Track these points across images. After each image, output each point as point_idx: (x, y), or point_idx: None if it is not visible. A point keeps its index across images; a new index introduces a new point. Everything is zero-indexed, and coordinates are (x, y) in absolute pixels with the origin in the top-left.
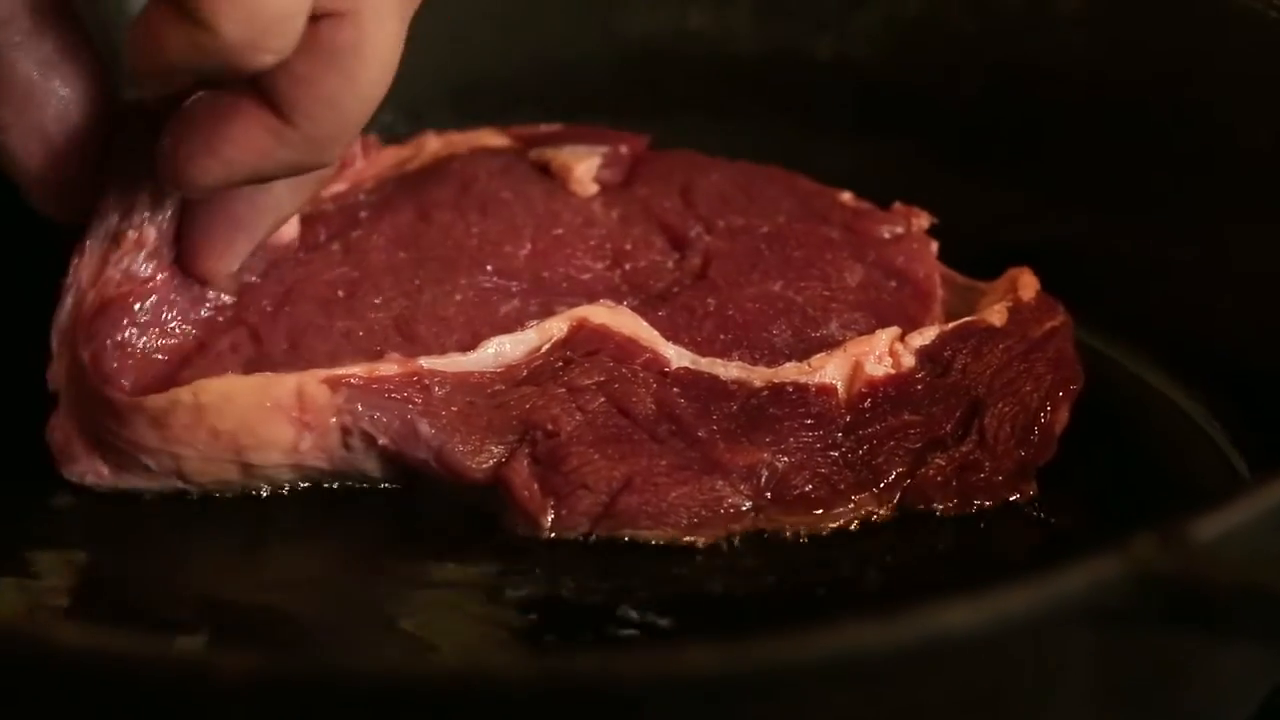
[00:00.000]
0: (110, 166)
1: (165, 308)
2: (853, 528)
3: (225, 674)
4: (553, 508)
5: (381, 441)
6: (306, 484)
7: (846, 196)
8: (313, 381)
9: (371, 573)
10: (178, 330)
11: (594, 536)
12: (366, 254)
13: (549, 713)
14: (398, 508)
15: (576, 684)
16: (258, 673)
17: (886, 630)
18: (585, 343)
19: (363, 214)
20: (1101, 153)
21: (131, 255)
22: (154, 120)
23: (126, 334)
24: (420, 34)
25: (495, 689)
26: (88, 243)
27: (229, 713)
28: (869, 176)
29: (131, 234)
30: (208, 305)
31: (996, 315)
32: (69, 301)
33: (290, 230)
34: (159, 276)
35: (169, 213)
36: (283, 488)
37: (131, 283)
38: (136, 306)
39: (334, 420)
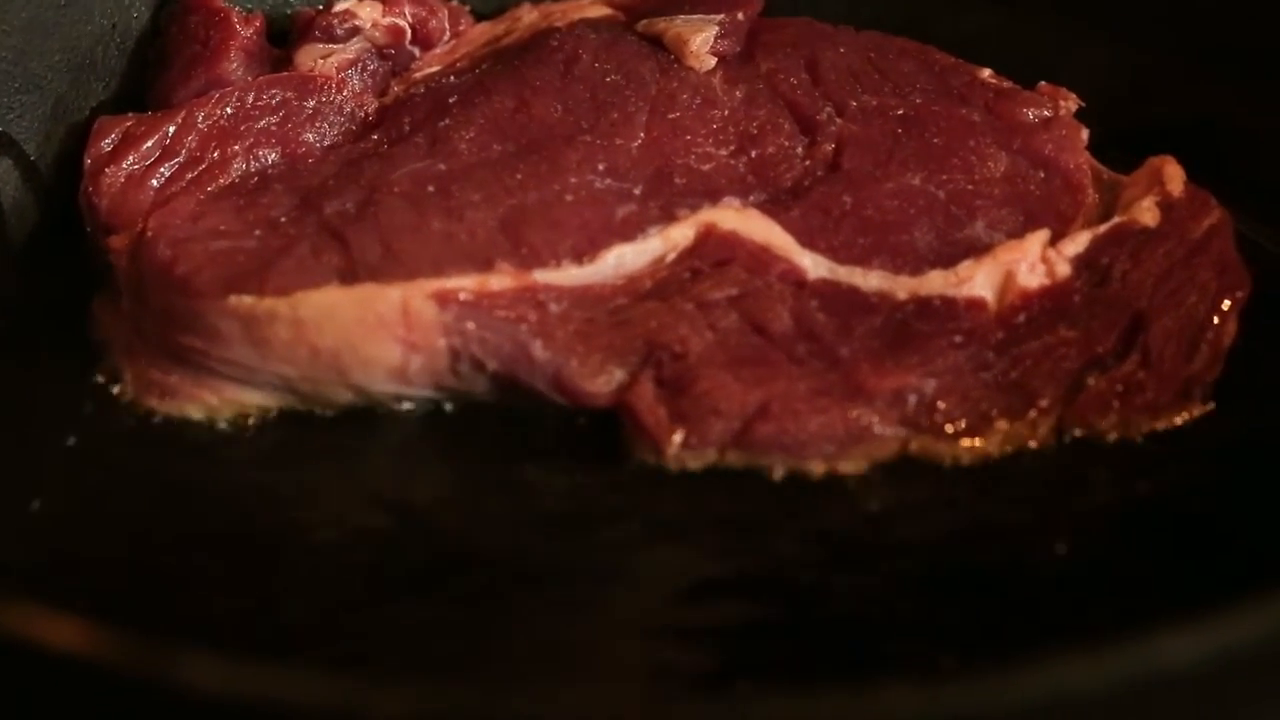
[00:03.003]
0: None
1: (229, 202)
2: (1005, 454)
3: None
4: (680, 434)
5: (492, 366)
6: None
7: (986, 73)
8: (419, 295)
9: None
10: (250, 231)
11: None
12: (456, 146)
13: None
14: (512, 426)
15: None
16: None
17: (1095, 668)
18: (714, 251)
19: (452, 99)
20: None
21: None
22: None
23: (192, 232)
24: None
25: None
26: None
27: None
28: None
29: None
30: (275, 203)
31: (1148, 213)
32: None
33: None
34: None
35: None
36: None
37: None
38: (196, 204)
39: (442, 341)
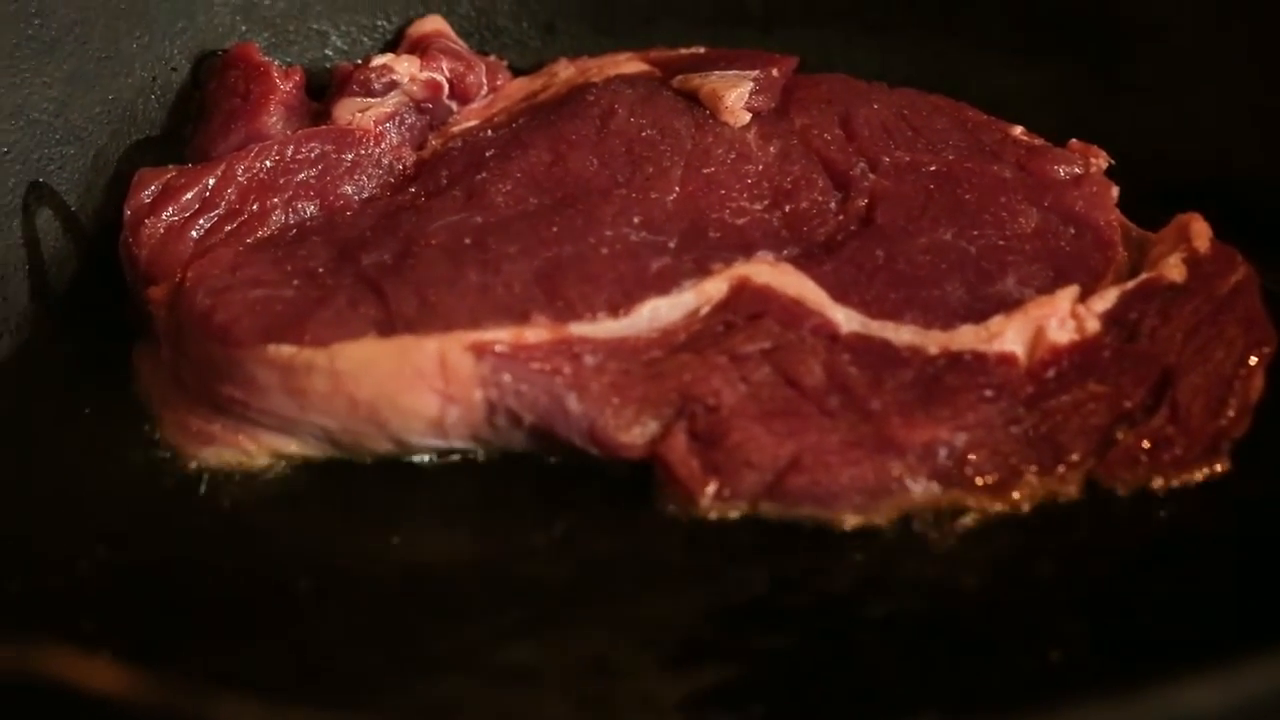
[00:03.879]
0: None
1: (267, 254)
2: (1033, 508)
3: None
4: (713, 485)
5: (528, 418)
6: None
7: (1018, 131)
8: (455, 348)
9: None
10: (288, 281)
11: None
12: (493, 199)
13: None
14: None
15: None
16: None
17: (1123, 713)
18: (748, 305)
19: (489, 153)
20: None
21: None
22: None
23: (231, 282)
24: None
25: None
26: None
27: None
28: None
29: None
30: (313, 255)
31: (1175, 269)
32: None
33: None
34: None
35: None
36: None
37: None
38: (234, 255)
39: (479, 394)
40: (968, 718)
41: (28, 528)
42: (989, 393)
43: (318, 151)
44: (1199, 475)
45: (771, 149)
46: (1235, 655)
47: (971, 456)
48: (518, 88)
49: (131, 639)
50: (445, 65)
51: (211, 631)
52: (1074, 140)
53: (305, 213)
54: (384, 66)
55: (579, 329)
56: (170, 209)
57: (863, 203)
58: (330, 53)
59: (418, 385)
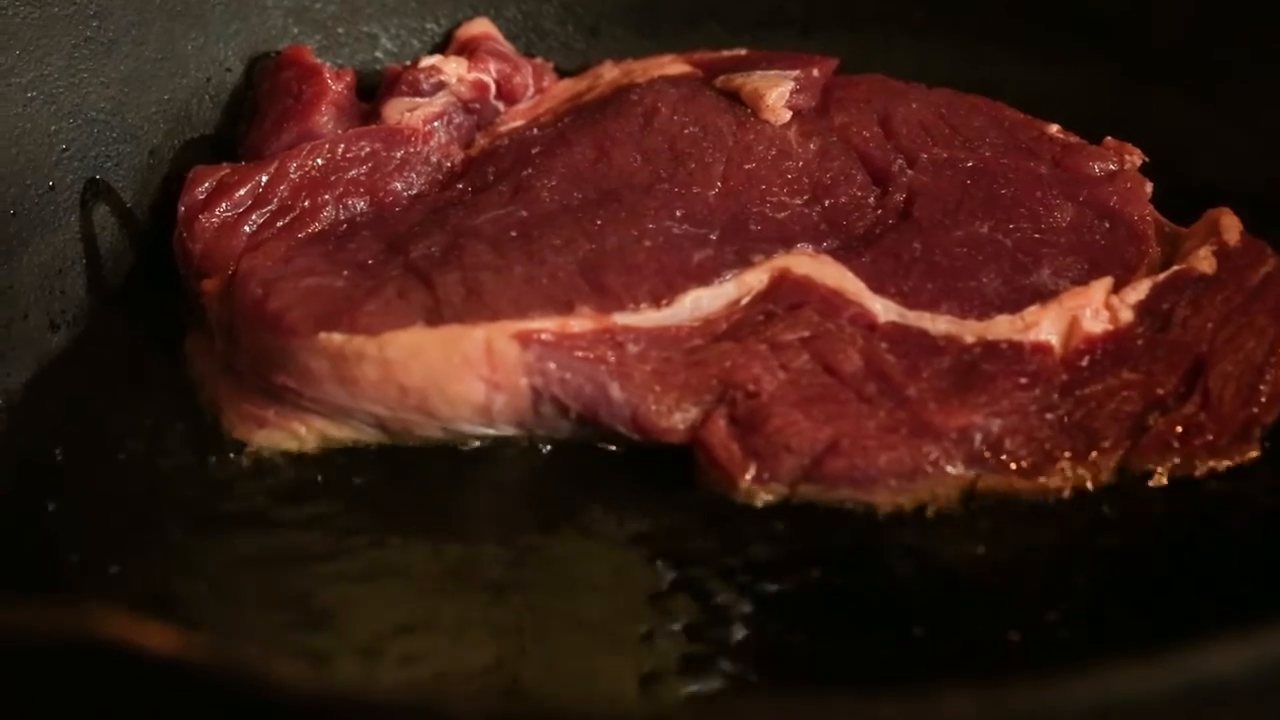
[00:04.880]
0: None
1: (318, 247)
2: (1066, 494)
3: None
4: (752, 469)
5: (572, 405)
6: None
7: (1054, 129)
8: (502, 336)
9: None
10: (338, 272)
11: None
12: (538, 194)
13: None
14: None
15: None
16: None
17: (1148, 676)
18: (788, 295)
19: (535, 150)
20: None
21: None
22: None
23: (283, 273)
24: None
25: None
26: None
27: None
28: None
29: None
30: (363, 248)
31: (1205, 262)
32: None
33: None
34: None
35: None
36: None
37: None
38: (286, 248)
39: (525, 381)
40: (1002, 689)
41: (87, 511)
42: (1024, 380)
43: (368, 150)
44: (1230, 461)
45: (811, 146)
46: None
47: (1006, 442)
48: (563, 89)
49: (192, 612)
50: (492, 66)
51: (270, 609)
52: (1109, 138)
53: (355, 208)
54: (432, 67)
55: (622, 318)
56: (224, 205)
57: (901, 197)
58: (380, 55)
59: (465, 373)
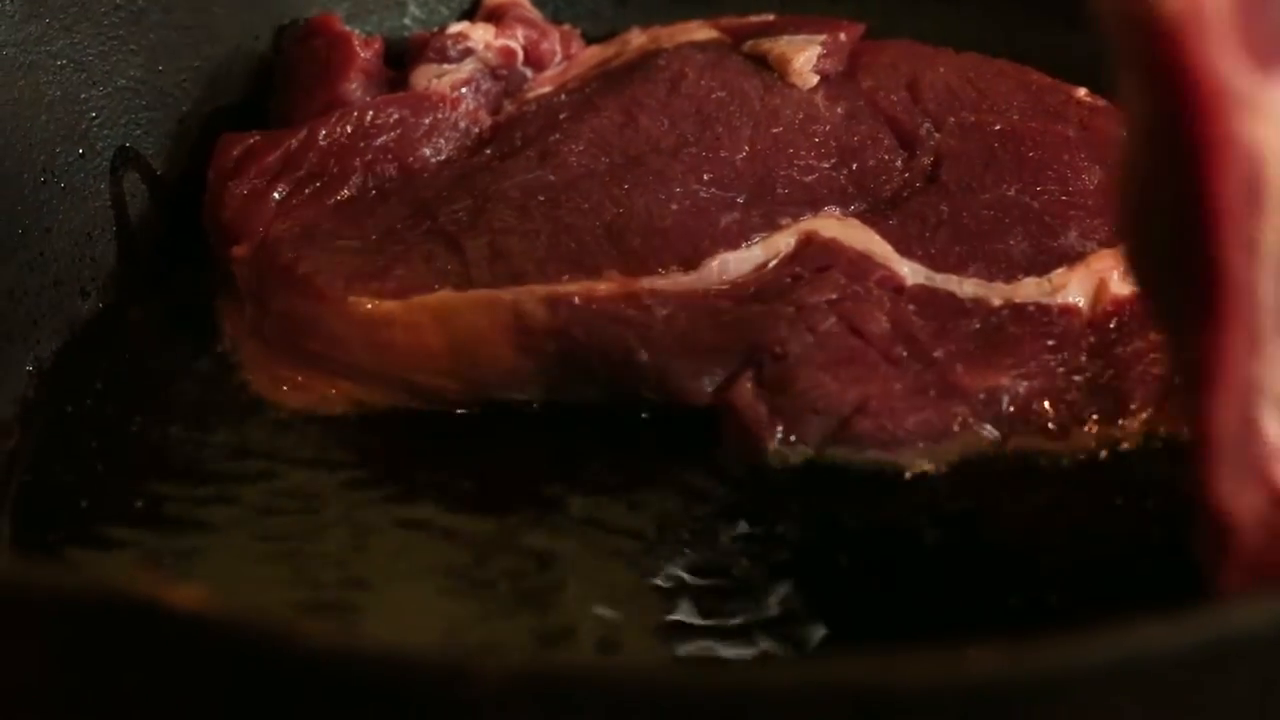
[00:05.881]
0: None
1: (347, 212)
2: (1100, 456)
3: (486, 677)
4: (779, 431)
5: (600, 368)
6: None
7: (1081, 92)
8: (530, 300)
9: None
10: (367, 236)
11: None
12: (565, 159)
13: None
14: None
15: (851, 690)
16: (519, 675)
17: (1174, 632)
18: (815, 258)
19: (562, 116)
20: None
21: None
22: None
23: (312, 237)
24: None
25: (768, 694)
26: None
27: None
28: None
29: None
30: (392, 213)
31: None
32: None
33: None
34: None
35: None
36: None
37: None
38: (316, 214)
39: (553, 345)
40: (1027, 645)
41: (114, 476)
42: (1052, 342)
43: (396, 116)
44: None
45: (838, 110)
46: None
47: (1034, 404)
48: (591, 55)
49: (222, 573)
50: (520, 33)
51: (299, 570)
52: None
53: (384, 174)
54: (460, 34)
55: (649, 282)
56: (253, 172)
57: (928, 160)
58: (409, 22)
59: (493, 336)
